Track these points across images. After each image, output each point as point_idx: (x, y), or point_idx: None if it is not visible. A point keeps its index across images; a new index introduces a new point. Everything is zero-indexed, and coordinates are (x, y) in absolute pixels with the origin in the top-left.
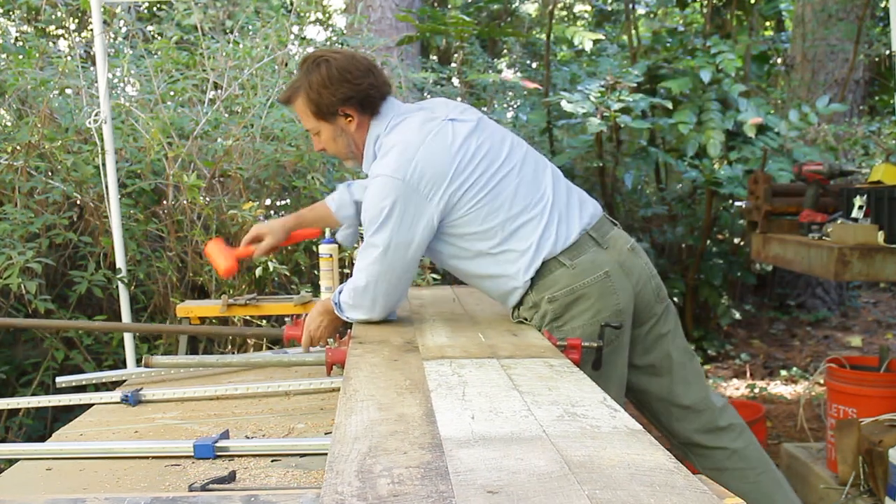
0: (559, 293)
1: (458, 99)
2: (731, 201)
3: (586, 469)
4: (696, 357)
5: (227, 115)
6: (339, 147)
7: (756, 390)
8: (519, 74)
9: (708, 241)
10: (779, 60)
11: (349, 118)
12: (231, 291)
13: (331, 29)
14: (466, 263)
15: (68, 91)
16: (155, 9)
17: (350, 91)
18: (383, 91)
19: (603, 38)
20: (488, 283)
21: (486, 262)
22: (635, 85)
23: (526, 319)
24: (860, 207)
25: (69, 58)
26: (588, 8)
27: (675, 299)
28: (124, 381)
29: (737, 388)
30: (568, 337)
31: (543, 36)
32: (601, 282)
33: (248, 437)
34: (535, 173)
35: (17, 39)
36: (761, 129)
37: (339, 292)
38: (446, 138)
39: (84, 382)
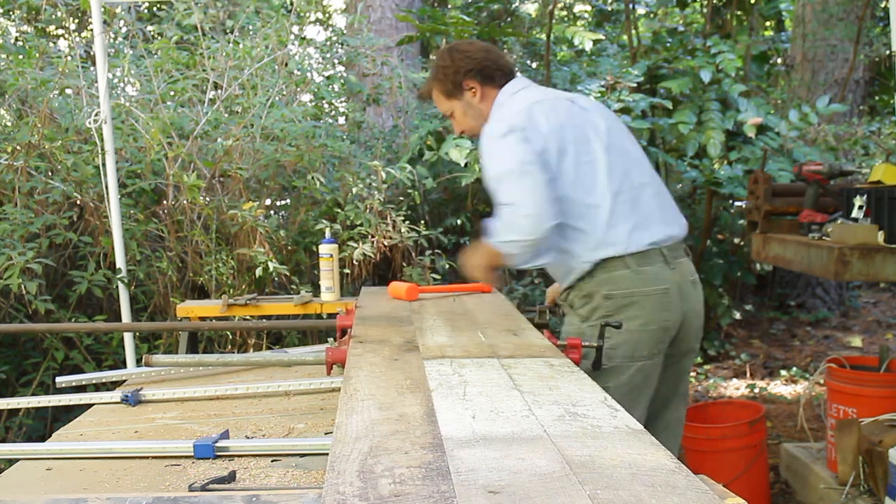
0: (617, 293)
1: None
2: (731, 201)
3: (587, 469)
4: (685, 407)
5: (227, 115)
6: (471, 122)
7: (756, 390)
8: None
9: (708, 241)
10: (779, 60)
11: (472, 90)
12: (231, 291)
13: (331, 29)
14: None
15: (68, 91)
16: (155, 9)
17: (469, 64)
18: (502, 66)
19: (603, 38)
20: (556, 256)
21: (555, 237)
22: (635, 85)
23: (572, 306)
24: (860, 207)
25: (69, 58)
26: (588, 8)
27: None
28: (124, 381)
29: (737, 388)
30: (612, 339)
31: (543, 36)
32: (659, 295)
33: (248, 437)
34: (628, 172)
35: (17, 39)
36: (761, 129)
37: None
38: (558, 107)
39: (84, 382)
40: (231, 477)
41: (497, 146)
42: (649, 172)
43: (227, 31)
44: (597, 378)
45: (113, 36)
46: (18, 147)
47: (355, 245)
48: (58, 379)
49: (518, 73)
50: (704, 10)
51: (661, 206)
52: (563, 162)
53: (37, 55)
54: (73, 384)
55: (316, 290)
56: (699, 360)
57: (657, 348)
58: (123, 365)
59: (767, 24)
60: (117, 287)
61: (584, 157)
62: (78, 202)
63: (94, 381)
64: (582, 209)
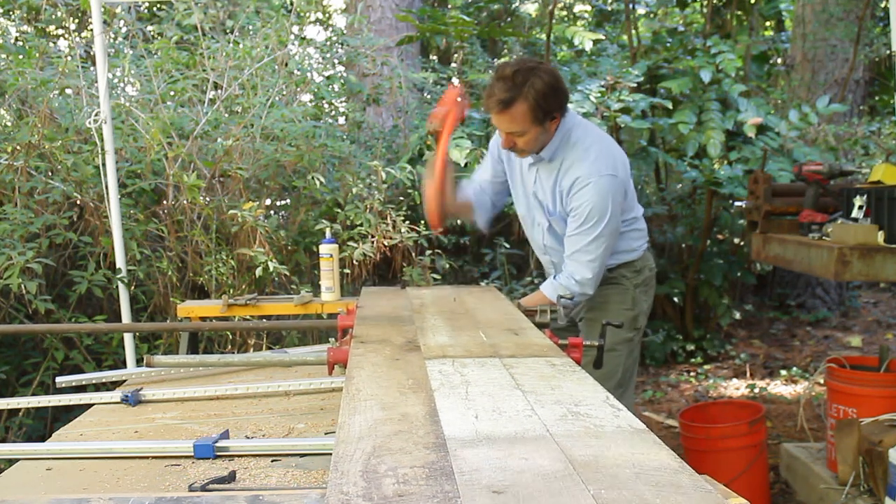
0: (652, 267)
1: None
2: (731, 201)
3: (591, 468)
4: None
5: (227, 115)
6: (534, 145)
7: (756, 390)
8: None
9: (708, 241)
10: (779, 60)
11: (554, 120)
12: (231, 291)
13: (331, 29)
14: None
15: (68, 91)
16: (155, 9)
17: (565, 99)
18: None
19: (603, 38)
20: (615, 256)
21: (622, 240)
22: (635, 85)
23: (624, 276)
24: (860, 207)
25: (69, 58)
26: (588, 8)
27: (676, 299)
28: (124, 381)
29: (737, 388)
30: (649, 301)
31: (543, 36)
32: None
33: (248, 437)
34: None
35: (17, 39)
36: (761, 129)
37: (559, 293)
38: (622, 162)
39: (84, 382)
40: (231, 477)
41: (604, 199)
42: None
43: (227, 31)
44: (640, 332)
45: (113, 36)
46: (18, 147)
47: (355, 245)
48: (58, 379)
49: None
50: (704, 10)
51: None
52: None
53: (37, 55)
54: (73, 384)
55: (316, 290)
56: (699, 359)
57: (642, 330)
58: (123, 365)
59: (767, 24)
60: (117, 287)
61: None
62: (78, 202)
63: (94, 382)
64: (635, 215)
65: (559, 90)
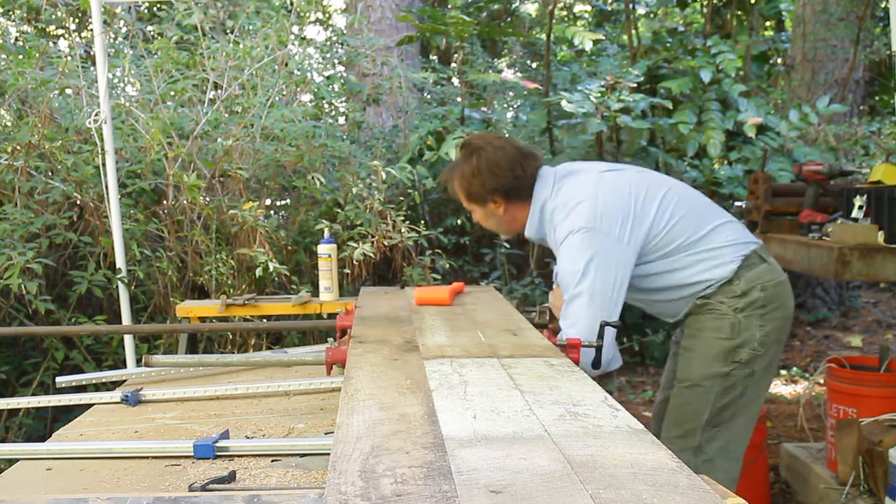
0: (769, 284)
1: (458, 99)
2: (731, 201)
3: (589, 469)
4: None
5: (227, 115)
6: (491, 224)
7: None
8: (519, 74)
9: None
10: (779, 60)
11: (497, 204)
12: (231, 291)
13: (331, 29)
14: (671, 276)
15: (68, 91)
16: (155, 9)
17: (496, 183)
18: (530, 180)
19: (603, 38)
20: (695, 287)
21: (688, 270)
22: (635, 85)
23: (720, 305)
24: (860, 207)
25: (69, 58)
26: (588, 8)
27: None
28: (124, 381)
29: None
30: (766, 326)
31: (543, 36)
32: (786, 282)
33: (248, 437)
34: (699, 199)
35: (17, 39)
36: (761, 129)
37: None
38: (615, 185)
39: (84, 382)
40: (231, 477)
41: (580, 254)
42: (706, 201)
43: (227, 31)
44: (748, 364)
45: (113, 36)
46: (18, 147)
47: (355, 245)
48: (58, 379)
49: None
50: (704, 10)
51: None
52: (658, 229)
53: (37, 55)
54: (74, 384)
55: (316, 291)
56: None
57: (788, 331)
58: (123, 365)
59: (767, 24)
60: (117, 287)
61: (673, 206)
62: (78, 202)
63: (94, 382)
64: (703, 237)
65: (499, 177)
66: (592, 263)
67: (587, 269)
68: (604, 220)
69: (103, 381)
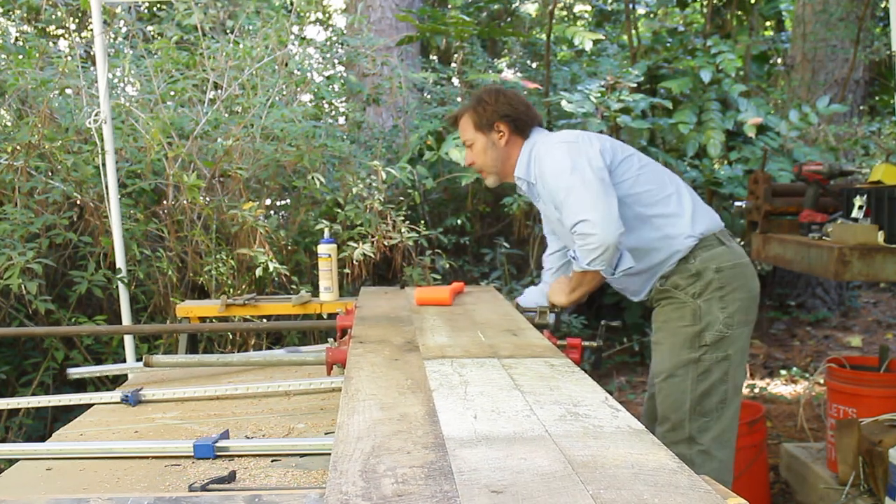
0: (725, 265)
1: (458, 99)
2: (731, 201)
3: (589, 469)
4: None
5: (227, 115)
6: (487, 160)
7: (756, 390)
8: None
9: None
10: (779, 60)
11: (501, 134)
12: (231, 291)
13: (331, 29)
14: (629, 237)
15: (68, 91)
16: (155, 9)
17: (508, 110)
18: (535, 120)
19: (603, 38)
20: (651, 255)
21: (645, 230)
22: (635, 85)
23: (676, 287)
24: (860, 207)
25: (69, 58)
26: (588, 8)
27: None
28: (125, 375)
29: None
30: (728, 307)
31: (543, 36)
32: (748, 266)
33: (248, 437)
34: (664, 172)
35: (17, 39)
36: (761, 129)
37: (585, 260)
38: (593, 137)
39: (90, 375)
40: (231, 477)
41: (560, 160)
42: (673, 174)
43: (227, 31)
44: (718, 347)
45: (113, 36)
46: (18, 147)
47: (355, 245)
48: (69, 370)
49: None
50: (704, 10)
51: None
52: (628, 167)
53: (37, 55)
54: (85, 375)
55: (316, 291)
56: None
57: (755, 312)
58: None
59: (767, 24)
60: (117, 287)
61: (642, 161)
62: (78, 202)
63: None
64: (664, 198)
65: (513, 106)
66: (579, 161)
67: (575, 165)
68: (582, 139)
69: (108, 374)
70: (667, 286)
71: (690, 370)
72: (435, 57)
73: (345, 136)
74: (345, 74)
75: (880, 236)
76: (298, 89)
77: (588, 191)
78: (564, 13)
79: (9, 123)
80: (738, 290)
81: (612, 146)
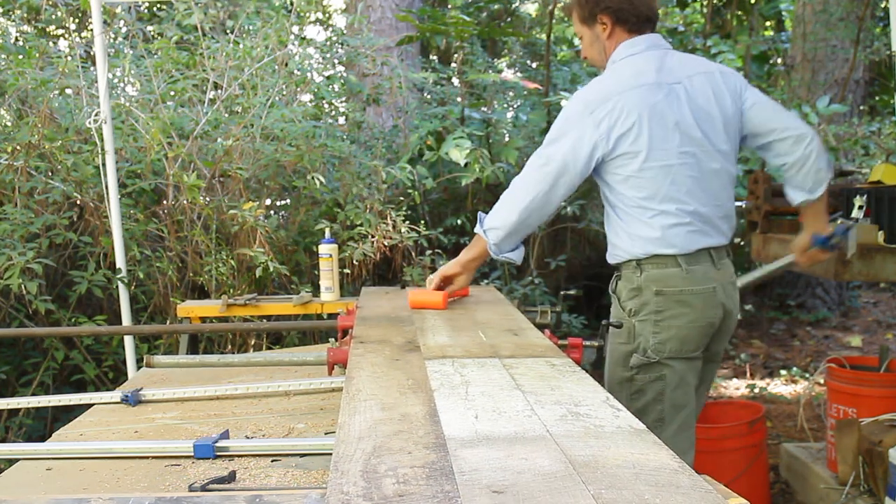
0: (669, 290)
1: (458, 99)
2: None
3: (591, 469)
4: (706, 394)
5: (227, 115)
6: (594, 53)
7: (756, 390)
8: (519, 74)
9: None
10: (779, 60)
11: (604, 25)
12: (231, 291)
13: (331, 29)
14: (605, 204)
15: (68, 91)
16: (155, 9)
17: (609, 1)
18: (639, 13)
19: None
20: (610, 231)
21: (616, 214)
22: None
23: (619, 296)
24: (860, 207)
25: (69, 58)
26: None
27: None
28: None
29: (737, 388)
30: (661, 334)
31: (543, 36)
32: (708, 294)
33: (248, 437)
34: (704, 175)
35: (17, 39)
36: None
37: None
38: (647, 97)
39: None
40: (231, 477)
41: (561, 121)
42: (724, 177)
43: (227, 31)
44: (648, 370)
45: (113, 36)
46: (18, 147)
47: (355, 245)
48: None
49: (654, 28)
50: (704, 10)
51: (720, 214)
52: (623, 164)
53: (37, 55)
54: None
55: (316, 291)
56: None
57: (702, 343)
58: (123, 364)
59: (767, 24)
60: (117, 287)
61: (655, 162)
62: (78, 202)
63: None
64: (643, 205)
65: None
66: (570, 133)
67: (561, 133)
68: (599, 110)
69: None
70: (616, 289)
71: (624, 388)
72: (435, 57)
73: (345, 136)
74: (345, 74)
75: (880, 236)
76: (298, 89)
77: (542, 168)
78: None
79: (9, 123)
80: (678, 318)
81: (622, 137)
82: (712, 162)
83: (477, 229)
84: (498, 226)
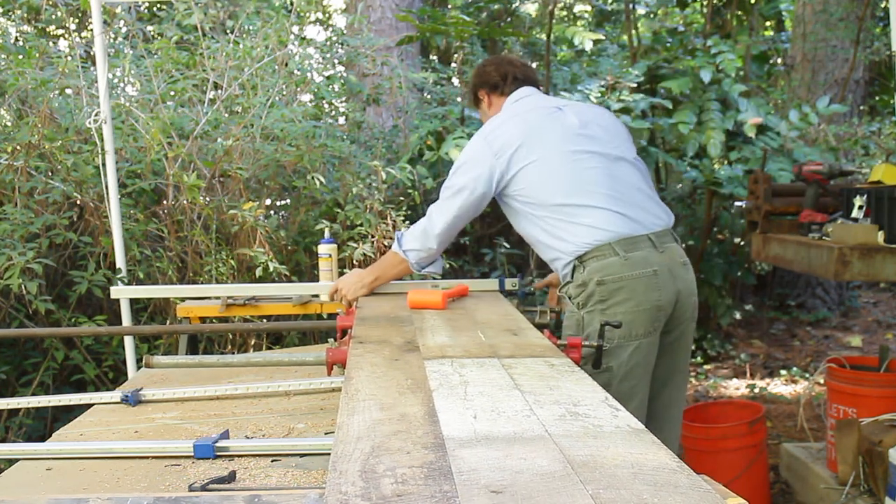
0: (608, 278)
1: (458, 99)
2: (731, 201)
3: (589, 468)
4: (687, 383)
5: (227, 115)
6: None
7: (756, 390)
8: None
9: (708, 241)
10: (779, 60)
11: (484, 100)
12: None
13: (331, 29)
14: (530, 227)
15: (68, 91)
16: (155, 9)
17: (478, 79)
18: (506, 74)
19: (603, 38)
20: (544, 250)
21: (544, 237)
22: (635, 85)
23: (571, 297)
24: (860, 207)
25: (69, 58)
26: (588, 8)
27: None
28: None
29: (737, 388)
30: (609, 320)
31: (543, 36)
32: (648, 278)
33: (248, 437)
34: (609, 165)
35: (17, 39)
36: (761, 129)
37: (402, 234)
38: (532, 117)
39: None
40: (231, 477)
41: (464, 154)
42: (631, 170)
43: (227, 31)
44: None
45: (113, 36)
46: (18, 147)
47: (355, 245)
48: None
49: (533, 83)
50: (704, 10)
51: (642, 199)
52: (524, 175)
53: (37, 55)
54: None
55: None
56: (699, 359)
57: (652, 326)
58: (123, 365)
59: (767, 24)
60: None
61: (555, 163)
62: (78, 202)
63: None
64: (563, 203)
65: (485, 71)
66: (474, 166)
67: (463, 169)
68: (493, 140)
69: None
70: (567, 291)
71: None
72: (435, 57)
73: (345, 136)
74: (345, 74)
75: (880, 236)
76: (298, 89)
77: (453, 197)
78: (564, 13)
79: (9, 123)
80: (622, 304)
81: (514, 153)
82: (613, 154)
83: (395, 248)
84: (419, 247)
